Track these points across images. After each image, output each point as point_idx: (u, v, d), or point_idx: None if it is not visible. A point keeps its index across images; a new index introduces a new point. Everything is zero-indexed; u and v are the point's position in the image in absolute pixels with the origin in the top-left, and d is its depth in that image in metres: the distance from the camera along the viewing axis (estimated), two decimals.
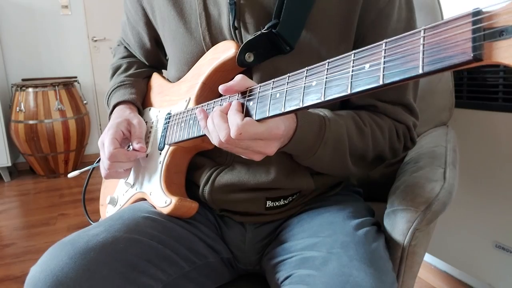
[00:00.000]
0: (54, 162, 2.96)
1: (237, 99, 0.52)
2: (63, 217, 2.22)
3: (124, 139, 0.72)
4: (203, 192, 0.67)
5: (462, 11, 0.29)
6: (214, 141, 0.52)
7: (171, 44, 0.71)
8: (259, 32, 0.59)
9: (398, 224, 0.61)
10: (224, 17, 0.63)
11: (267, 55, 0.60)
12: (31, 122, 2.80)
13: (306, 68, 0.43)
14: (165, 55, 0.78)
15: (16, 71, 3.17)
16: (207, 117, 0.54)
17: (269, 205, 0.66)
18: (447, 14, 0.97)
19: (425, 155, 0.75)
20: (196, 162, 0.70)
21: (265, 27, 0.59)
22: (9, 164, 2.88)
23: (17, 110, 2.81)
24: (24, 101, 2.81)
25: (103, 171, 0.72)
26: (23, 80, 3.14)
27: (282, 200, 0.66)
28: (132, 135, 0.72)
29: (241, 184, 0.64)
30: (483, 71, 1.07)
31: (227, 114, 0.50)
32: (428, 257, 1.39)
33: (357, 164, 0.64)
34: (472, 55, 0.28)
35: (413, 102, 0.69)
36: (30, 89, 2.82)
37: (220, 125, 0.50)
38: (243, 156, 0.53)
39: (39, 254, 0.56)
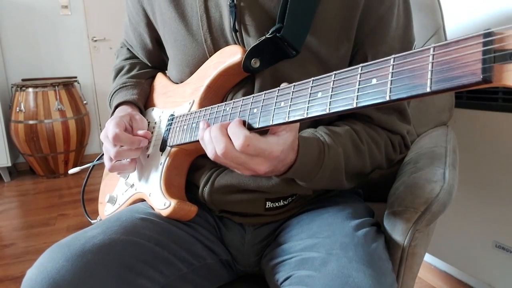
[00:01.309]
0: (54, 163, 2.96)
1: (239, 113, 0.51)
2: (62, 218, 2.21)
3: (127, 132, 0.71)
4: (202, 193, 0.67)
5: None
6: (209, 153, 0.52)
7: (172, 45, 0.71)
8: (263, 37, 0.59)
9: (398, 224, 0.61)
10: (225, 20, 0.63)
11: (273, 60, 0.60)
12: (31, 122, 2.80)
13: (312, 78, 0.43)
14: (167, 55, 0.78)
15: (16, 71, 3.17)
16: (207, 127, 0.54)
17: (268, 206, 0.66)
18: (447, 14, 0.97)
19: (424, 155, 0.75)
20: (196, 163, 0.70)
21: (269, 32, 0.58)
22: (9, 164, 2.88)
23: (17, 110, 2.81)
24: (24, 101, 2.81)
25: (107, 162, 0.71)
26: (23, 80, 3.14)
27: (281, 201, 0.66)
28: (134, 128, 0.71)
29: (240, 185, 0.64)
30: None
31: (226, 128, 0.50)
32: (428, 257, 1.39)
33: (352, 179, 0.64)
34: (481, 76, 0.28)
35: (407, 107, 0.69)
36: (30, 89, 2.81)
37: (218, 138, 0.49)
38: (233, 169, 0.53)
39: (39, 255, 0.56)
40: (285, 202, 0.67)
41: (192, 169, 0.70)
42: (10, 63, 3.16)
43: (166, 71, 0.89)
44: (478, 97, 1.09)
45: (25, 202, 2.51)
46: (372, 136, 0.64)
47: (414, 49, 0.67)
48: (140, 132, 0.70)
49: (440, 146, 0.78)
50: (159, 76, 0.85)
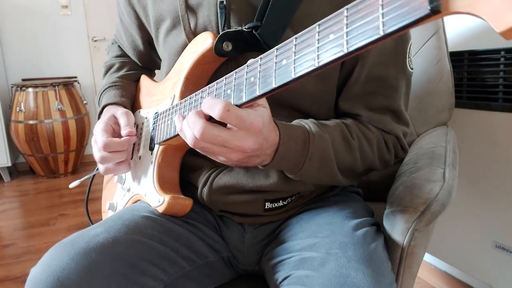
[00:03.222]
0: (54, 163, 2.96)
1: (216, 94, 0.51)
2: (63, 218, 2.21)
3: (116, 136, 0.72)
4: (201, 194, 0.67)
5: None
6: (188, 140, 0.49)
7: (162, 46, 0.72)
8: (239, 28, 0.59)
9: (397, 224, 0.61)
10: (211, 19, 0.63)
11: (245, 48, 0.60)
12: (31, 122, 2.80)
13: (276, 47, 0.42)
14: (159, 56, 0.79)
15: (16, 71, 3.17)
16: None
17: (268, 206, 0.66)
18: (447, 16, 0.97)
19: (424, 155, 0.75)
20: (194, 164, 0.70)
21: (246, 26, 0.59)
22: (9, 164, 2.88)
23: (17, 110, 2.81)
24: (24, 101, 2.81)
25: (101, 167, 0.71)
26: (23, 80, 3.14)
27: (281, 201, 0.66)
28: (120, 126, 0.72)
29: (239, 186, 0.64)
30: (483, 71, 1.07)
31: (203, 113, 0.48)
32: (428, 257, 1.39)
33: (347, 175, 0.63)
34: (429, 8, 0.27)
35: (403, 109, 0.67)
36: (30, 89, 2.82)
37: (194, 122, 0.47)
38: (220, 159, 0.50)
39: (39, 255, 0.56)
40: (284, 203, 0.67)
41: (190, 170, 0.70)
42: (10, 63, 3.16)
43: (155, 71, 0.90)
44: (478, 97, 1.09)
45: (25, 202, 2.52)
46: (364, 132, 0.63)
47: (409, 48, 0.66)
48: (124, 132, 0.70)
49: (440, 146, 0.78)
50: (143, 78, 0.86)
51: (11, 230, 2.07)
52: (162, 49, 0.72)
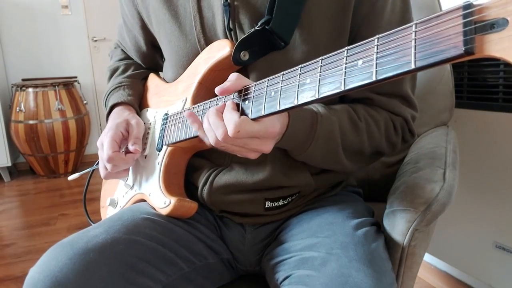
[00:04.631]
0: (54, 162, 2.96)
1: (233, 98, 0.52)
2: (63, 217, 2.22)
3: (124, 140, 0.72)
4: (202, 194, 0.67)
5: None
6: (211, 140, 0.52)
7: (166, 47, 0.72)
8: (252, 30, 0.59)
9: (398, 224, 0.61)
10: (218, 19, 0.63)
11: (262, 52, 0.60)
12: (31, 122, 2.80)
13: (300, 66, 0.43)
14: (162, 57, 0.79)
15: (16, 71, 3.17)
16: (197, 119, 0.55)
17: (268, 205, 0.66)
18: None
19: (425, 155, 0.75)
20: (194, 164, 0.70)
21: (258, 24, 0.59)
22: (9, 164, 2.88)
23: (17, 110, 2.81)
24: (24, 101, 2.81)
25: (102, 171, 0.72)
26: (23, 80, 3.14)
27: (281, 200, 0.66)
28: (129, 136, 0.72)
29: (239, 184, 0.64)
30: (483, 71, 1.07)
31: (222, 113, 0.50)
32: (428, 257, 1.39)
33: (353, 159, 0.64)
34: (463, 49, 0.28)
35: (411, 94, 0.68)
36: (30, 89, 2.82)
37: (216, 124, 0.50)
38: (239, 155, 0.53)
39: (39, 254, 0.56)
40: (284, 202, 0.67)
41: (190, 170, 0.70)
42: (10, 63, 3.16)
43: (160, 72, 0.90)
44: (478, 97, 1.09)
45: (25, 202, 2.52)
46: (371, 114, 0.64)
47: None
48: (131, 148, 0.70)
49: (441, 146, 0.78)
50: (152, 77, 0.86)
51: (12, 229, 2.07)
52: (168, 49, 0.72)
